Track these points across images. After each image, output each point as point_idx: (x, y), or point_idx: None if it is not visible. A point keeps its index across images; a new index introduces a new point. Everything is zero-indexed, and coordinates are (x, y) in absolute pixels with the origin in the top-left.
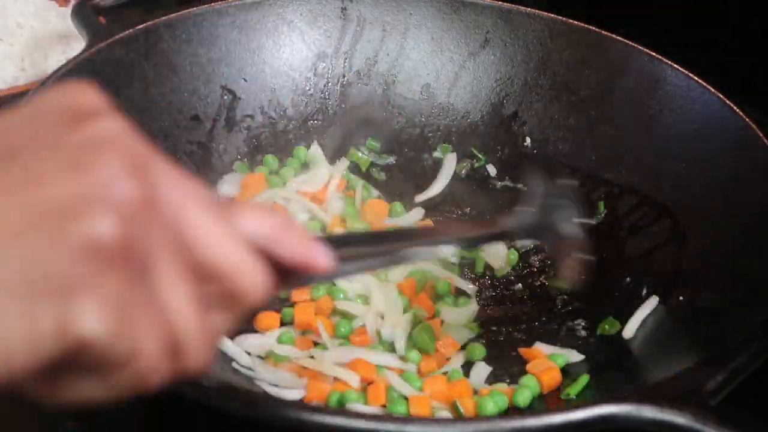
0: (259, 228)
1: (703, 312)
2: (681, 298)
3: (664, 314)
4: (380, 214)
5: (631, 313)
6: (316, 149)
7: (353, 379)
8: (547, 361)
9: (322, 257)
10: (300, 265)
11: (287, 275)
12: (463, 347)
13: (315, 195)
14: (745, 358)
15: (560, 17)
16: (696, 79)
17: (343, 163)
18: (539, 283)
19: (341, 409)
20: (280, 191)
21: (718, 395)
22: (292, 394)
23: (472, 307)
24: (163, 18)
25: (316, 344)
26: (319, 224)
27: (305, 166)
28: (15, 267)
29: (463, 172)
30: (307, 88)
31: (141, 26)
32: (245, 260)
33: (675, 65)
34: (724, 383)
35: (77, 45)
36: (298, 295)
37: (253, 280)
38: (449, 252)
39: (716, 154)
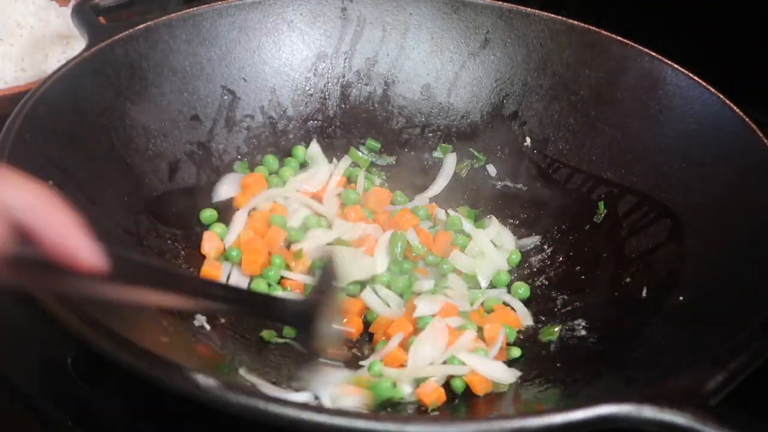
0: (19, 200)
1: (703, 312)
2: (681, 298)
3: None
4: (383, 202)
5: (631, 313)
6: (315, 148)
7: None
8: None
9: (86, 256)
10: (56, 251)
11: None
12: None
13: (315, 194)
14: (745, 358)
15: (560, 17)
16: (696, 79)
17: (344, 162)
18: (539, 283)
19: (341, 410)
20: (280, 190)
21: (718, 395)
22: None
23: None
24: (163, 18)
25: None
26: (318, 222)
27: (304, 165)
28: None
29: (463, 172)
30: (307, 88)
31: (141, 26)
32: None
33: (675, 65)
34: (724, 383)
35: (77, 45)
36: None
37: None
38: None
39: (716, 153)
